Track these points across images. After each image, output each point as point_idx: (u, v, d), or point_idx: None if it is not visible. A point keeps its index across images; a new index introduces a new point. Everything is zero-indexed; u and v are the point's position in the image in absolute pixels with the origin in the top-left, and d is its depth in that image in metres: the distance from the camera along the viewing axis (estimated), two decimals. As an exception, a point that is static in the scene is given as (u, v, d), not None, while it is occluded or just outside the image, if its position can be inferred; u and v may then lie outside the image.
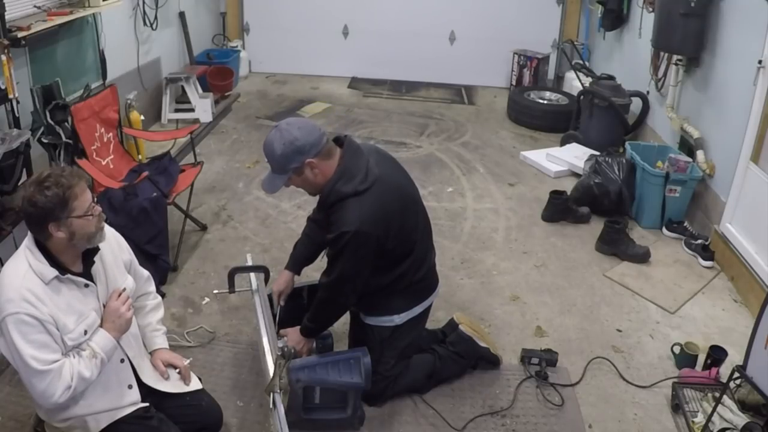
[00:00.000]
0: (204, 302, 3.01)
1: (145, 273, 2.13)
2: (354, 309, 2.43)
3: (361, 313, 2.37)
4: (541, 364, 2.63)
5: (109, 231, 1.96)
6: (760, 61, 3.14)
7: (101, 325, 1.84)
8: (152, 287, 2.16)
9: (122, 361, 1.91)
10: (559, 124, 5.34)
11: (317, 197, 2.21)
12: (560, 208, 3.90)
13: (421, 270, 2.31)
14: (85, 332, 1.77)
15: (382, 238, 2.08)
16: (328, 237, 2.11)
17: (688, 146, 3.97)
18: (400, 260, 2.23)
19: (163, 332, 2.12)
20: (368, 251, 2.09)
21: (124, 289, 1.91)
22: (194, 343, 2.72)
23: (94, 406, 1.86)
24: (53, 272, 1.72)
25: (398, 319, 2.32)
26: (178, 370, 2.07)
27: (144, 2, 4.77)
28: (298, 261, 2.50)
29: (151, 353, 2.06)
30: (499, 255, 3.53)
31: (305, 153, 2.04)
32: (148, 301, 2.12)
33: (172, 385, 2.04)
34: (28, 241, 1.76)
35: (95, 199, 1.81)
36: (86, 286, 1.81)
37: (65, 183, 1.70)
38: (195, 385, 2.10)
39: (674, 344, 2.75)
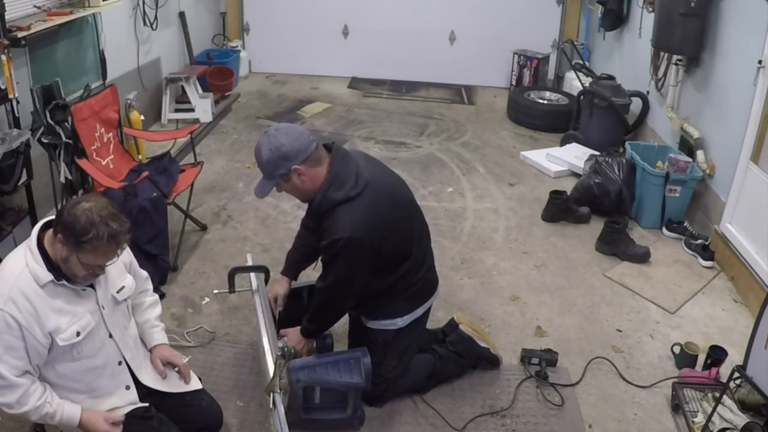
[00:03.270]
0: (204, 302, 3.01)
1: (144, 273, 2.13)
2: (354, 312, 2.43)
3: (363, 317, 2.36)
4: (541, 364, 2.63)
5: None
6: (760, 61, 3.14)
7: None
8: (150, 285, 2.16)
9: (119, 363, 1.91)
10: (559, 124, 5.34)
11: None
12: (560, 208, 3.90)
13: (421, 271, 2.31)
14: (78, 333, 1.75)
15: (376, 243, 2.07)
16: (322, 244, 2.10)
17: (688, 146, 3.97)
18: (399, 263, 2.22)
19: (162, 328, 2.11)
20: (362, 257, 2.08)
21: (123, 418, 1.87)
22: (194, 343, 2.72)
23: (93, 408, 1.85)
24: (48, 276, 1.70)
25: (401, 322, 2.31)
26: (177, 369, 2.06)
27: (144, 2, 4.77)
28: (293, 265, 2.49)
29: (150, 350, 2.06)
30: (499, 255, 3.53)
31: (291, 159, 2.03)
32: (145, 298, 2.12)
33: (171, 385, 2.04)
34: (30, 241, 1.75)
35: (104, 267, 1.75)
36: (83, 290, 1.79)
37: (100, 236, 1.63)
38: (195, 384, 2.10)
39: (674, 344, 2.75)
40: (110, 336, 1.87)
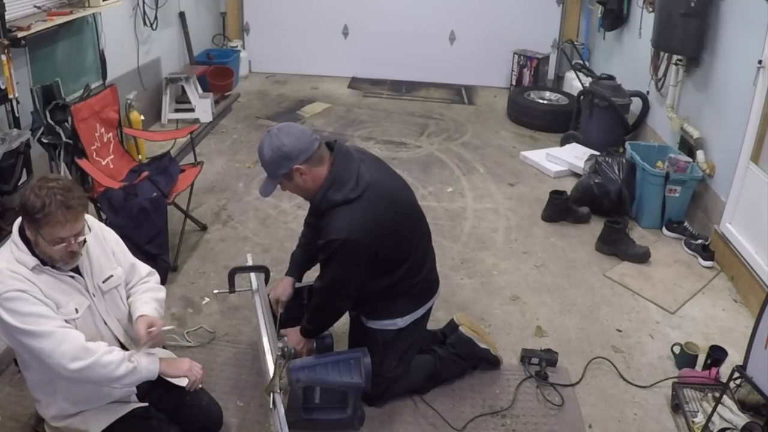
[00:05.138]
0: (204, 302, 3.01)
1: (145, 269, 2.09)
2: (354, 312, 2.43)
3: (363, 317, 2.36)
4: (541, 364, 2.63)
5: (94, 223, 1.95)
6: (760, 61, 3.14)
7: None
8: (153, 278, 2.11)
9: None
10: (559, 124, 5.34)
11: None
12: (560, 208, 3.90)
13: (421, 272, 2.31)
14: (76, 310, 1.78)
15: (373, 246, 2.07)
16: (319, 243, 2.11)
17: (688, 146, 3.97)
18: (397, 265, 2.22)
19: (154, 307, 1.98)
20: (358, 259, 2.08)
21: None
22: (194, 343, 2.72)
23: (91, 402, 1.86)
24: (34, 260, 1.73)
25: (401, 322, 2.31)
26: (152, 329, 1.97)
27: (144, 2, 4.77)
28: (298, 266, 2.49)
29: (135, 321, 1.97)
30: (499, 255, 3.53)
31: (293, 159, 2.04)
32: (145, 285, 2.06)
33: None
34: (13, 236, 1.78)
35: (76, 238, 1.73)
36: (71, 277, 1.81)
37: (48, 204, 1.64)
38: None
39: (674, 344, 2.75)
40: (105, 323, 1.88)
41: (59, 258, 1.74)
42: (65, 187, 1.70)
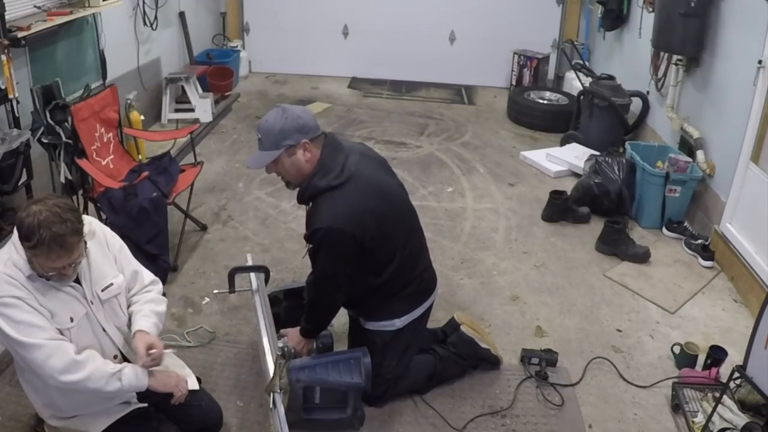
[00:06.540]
0: (204, 302, 3.01)
1: (148, 278, 2.05)
2: (353, 314, 2.43)
3: (361, 318, 2.36)
4: (541, 364, 2.64)
5: (98, 228, 1.94)
6: (760, 61, 3.14)
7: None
8: (155, 287, 2.08)
9: (115, 357, 1.90)
10: (559, 124, 5.34)
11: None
12: (560, 208, 3.90)
13: (414, 271, 2.31)
14: (71, 320, 1.77)
15: (358, 234, 2.07)
16: (305, 234, 2.14)
17: (688, 146, 3.97)
18: (387, 259, 2.22)
19: (154, 322, 1.95)
20: (345, 248, 2.09)
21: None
22: (194, 343, 2.72)
23: (89, 407, 1.86)
24: (29, 270, 1.71)
25: (399, 322, 2.31)
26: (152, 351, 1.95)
27: (144, 2, 4.77)
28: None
29: (134, 335, 1.94)
30: (499, 255, 3.53)
31: (304, 133, 2.07)
32: (146, 294, 2.03)
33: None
34: (14, 237, 1.75)
35: (70, 266, 1.70)
36: (70, 286, 1.79)
37: (41, 241, 1.60)
38: (193, 385, 2.09)
39: (674, 344, 2.75)
40: (104, 330, 1.87)
41: (54, 277, 1.72)
42: (59, 217, 1.62)
